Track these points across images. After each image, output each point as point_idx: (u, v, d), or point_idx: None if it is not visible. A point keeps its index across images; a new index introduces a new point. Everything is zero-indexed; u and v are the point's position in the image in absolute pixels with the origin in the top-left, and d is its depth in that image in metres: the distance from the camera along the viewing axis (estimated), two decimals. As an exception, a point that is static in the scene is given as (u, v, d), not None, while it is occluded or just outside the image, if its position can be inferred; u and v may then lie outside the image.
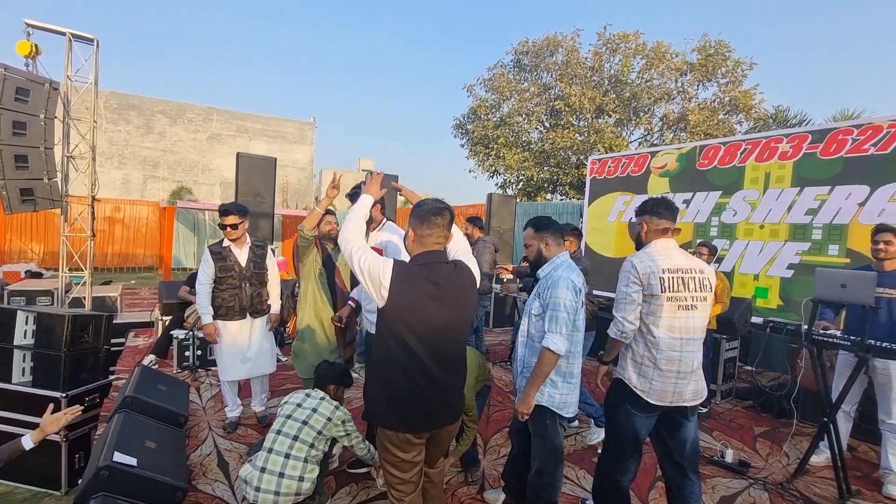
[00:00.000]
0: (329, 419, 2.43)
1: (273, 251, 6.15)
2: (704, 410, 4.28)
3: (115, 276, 12.82)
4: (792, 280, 4.98)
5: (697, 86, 12.38)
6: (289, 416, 2.40)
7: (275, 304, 3.67)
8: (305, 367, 3.13)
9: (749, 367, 5.61)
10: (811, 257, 4.75)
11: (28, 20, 5.46)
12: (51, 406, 2.15)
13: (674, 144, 7.72)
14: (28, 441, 2.01)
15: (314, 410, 2.43)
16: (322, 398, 2.52)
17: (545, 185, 13.78)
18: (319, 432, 2.37)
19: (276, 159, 6.63)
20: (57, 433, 3.25)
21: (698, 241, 4.72)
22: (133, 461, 2.19)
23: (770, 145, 5.25)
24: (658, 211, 2.23)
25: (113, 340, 5.21)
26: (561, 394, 2.16)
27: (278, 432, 2.35)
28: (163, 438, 2.66)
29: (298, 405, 2.46)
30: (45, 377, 3.48)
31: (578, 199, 11.39)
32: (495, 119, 14.21)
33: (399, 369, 1.79)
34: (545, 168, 13.54)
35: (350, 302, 3.02)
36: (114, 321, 5.43)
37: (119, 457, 2.15)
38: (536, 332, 2.17)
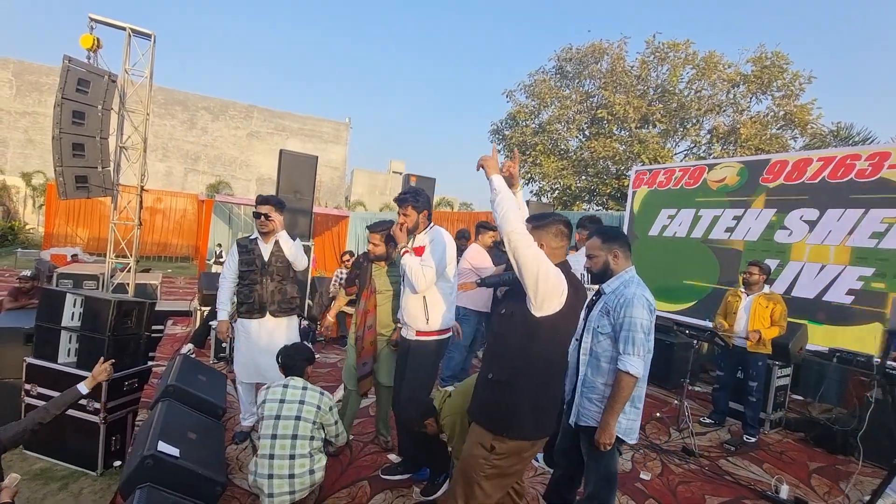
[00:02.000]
0: (319, 407, 2.38)
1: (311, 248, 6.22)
2: (753, 440, 4.04)
3: (152, 265, 13.24)
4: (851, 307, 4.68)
5: (751, 98, 11.90)
6: (278, 417, 2.30)
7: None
8: (347, 374, 3.14)
9: (797, 397, 5.31)
10: (877, 284, 4.44)
11: (93, 15, 5.67)
12: (101, 358, 2.48)
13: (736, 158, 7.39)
14: (83, 387, 2.29)
15: (302, 402, 2.34)
16: (304, 387, 2.43)
17: (582, 195, 13.53)
18: (314, 422, 2.33)
19: (317, 158, 6.69)
20: (97, 415, 3.39)
21: (749, 260, 4.46)
22: (176, 452, 2.17)
23: (846, 162, 4.95)
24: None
25: (153, 327, 5.35)
26: (628, 419, 2.07)
27: (274, 437, 2.25)
28: (203, 430, 2.65)
29: (282, 401, 2.34)
30: (89, 359, 3.52)
31: (617, 209, 11.10)
32: (534, 126, 14.08)
33: (549, 376, 1.86)
34: (583, 177, 13.31)
35: (397, 325, 2.94)
36: (154, 308, 5.58)
37: (163, 446, 2.14)
38: (603, 351, 2.08)
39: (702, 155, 12.19)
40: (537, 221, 1.91)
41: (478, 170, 1.91)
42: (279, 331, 3.21)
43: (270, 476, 2.19)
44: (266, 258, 3.18)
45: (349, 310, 6.08)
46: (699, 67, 11.90)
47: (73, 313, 3.83)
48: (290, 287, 3.27)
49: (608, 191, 12.61)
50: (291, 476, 2.19)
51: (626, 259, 2.13)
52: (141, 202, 6.33)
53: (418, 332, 2.70)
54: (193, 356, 4.89)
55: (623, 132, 12.81)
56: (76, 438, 3.44)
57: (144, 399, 3.64)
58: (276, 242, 3.20)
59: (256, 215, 3.15)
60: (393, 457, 3.08)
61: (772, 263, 5.08)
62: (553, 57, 14.22)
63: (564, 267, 1.86)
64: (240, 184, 25.48)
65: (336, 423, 2.49)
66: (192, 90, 24.89)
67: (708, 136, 12.38)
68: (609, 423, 2.01)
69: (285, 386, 2.41)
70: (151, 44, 6.10)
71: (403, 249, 2.66)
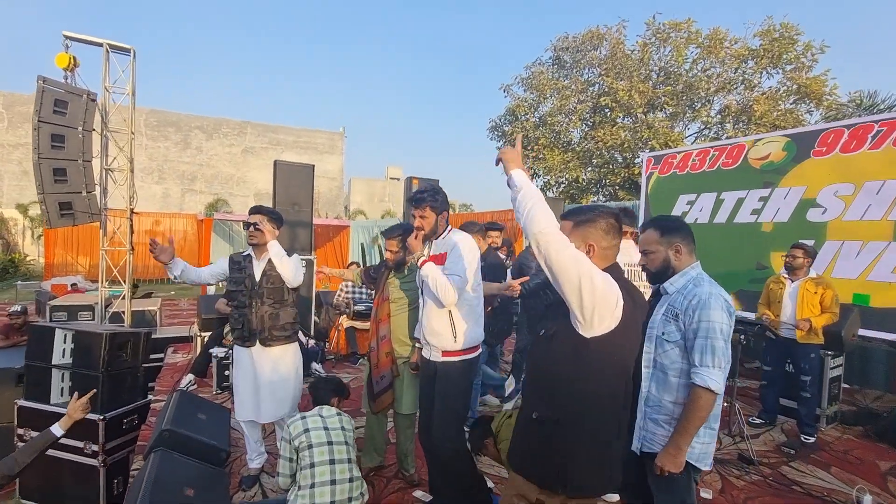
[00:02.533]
0: (352, 431, 2.39)
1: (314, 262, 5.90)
2: (812, 440, 3.68)
3: (155, 288, 12.96)
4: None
5: (762, 73, 11.42)
6: (331, 443, 2.24)
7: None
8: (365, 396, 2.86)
9: (844, 385, 4.96)
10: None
11: (67, 32, 5.39)
12: (76, 394, 2.26)
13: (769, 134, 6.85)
14: (58, 429, 2.10)
15: (343, 429, 2.34)
16: (338, 413, 2.41)
17: (590, 187, 13.15)
18: (353, 446, 2.36)
19: (313, 166, 6.37)
20: (95, 458, 3.11)
21: (792, 243, 4.10)
22: (170, 518, 1.85)
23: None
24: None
25: (152, 356, 5.04)
26: (702, 443, 1.70)
27: (332, 462, 2.18)
28: (203, 482, 2.31)
29: (325, 428, 2.29)
30: (83, 398, 3.27)
31: (629, 199, 10.71)
32: (534, 119, 13.73)
33: (610, 411, 1.48)
34: (589, 168, 12.94)
35: (416, 345, 2.63)
36: (153, 336, 5.26)
37: (154, 513, 1.81)
38: (671, 363, 1.72)
39: (714, 136, 11.76)
40: (579, 216, 1.54)
41: (497, 164, 1.59)
42: (279, 362, 2.82)
43: (333, 503, 2.10)
44: (257, 278, 2.80)
45: (360, 325, 5.76)
46: (704, 45, 11.47)
47: (63, 349, 3.64)
48: (285, 312, 2.82)
49: (617, 181, 12.23)
50: (350, 500, 2.17)
51: (690, 254, 1.78)
52: (132, 225, 6.01)
53: (445, 353, 2.34)
54: (195, 387, 4.57)
55: (628, 119, 12.42)
56: (75, 484, 3.23)
57: (141, 442, 3.32)
58: (270, 260, 2.80)
59: (246, 226, 2.80)
60: (420, 494, 2.73)
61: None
62: (549, 47, 13.89)
63: (615, 271, 1.50)
64: (238, 200, 25.27)
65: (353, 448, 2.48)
66: (183, 110, 24.71)
67: (719, 117, 11.94)
68: (680, 447, 1.64)
69: (320, 415, 2.34)
70: (131, 59, 5.80)
71: (421, 259, 2.30)
